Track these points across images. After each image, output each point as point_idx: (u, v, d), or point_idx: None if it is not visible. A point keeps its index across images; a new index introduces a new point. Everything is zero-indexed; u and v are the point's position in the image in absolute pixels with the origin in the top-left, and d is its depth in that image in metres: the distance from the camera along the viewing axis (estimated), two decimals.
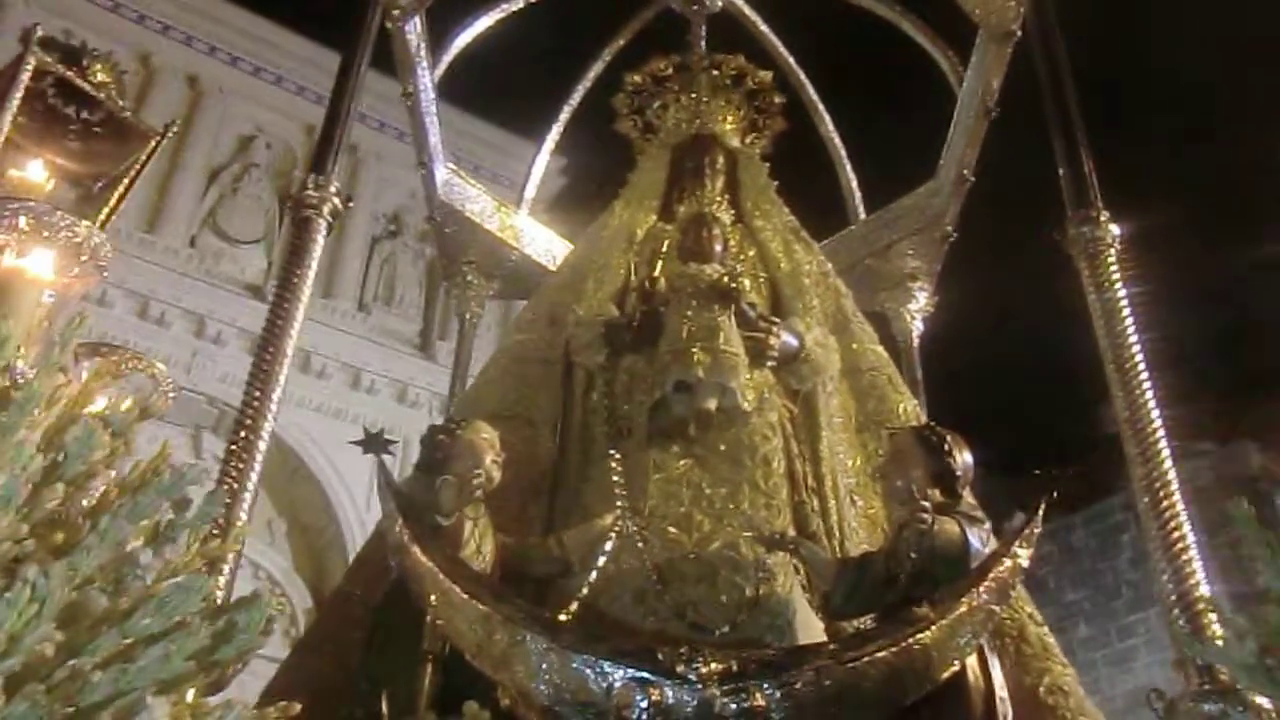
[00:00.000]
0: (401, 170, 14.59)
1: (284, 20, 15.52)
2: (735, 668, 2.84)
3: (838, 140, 6.43)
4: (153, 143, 3.18)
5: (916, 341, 5.81)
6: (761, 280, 4.67)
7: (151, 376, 2.89)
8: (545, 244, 6.08)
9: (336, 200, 3.78)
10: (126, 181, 3.06)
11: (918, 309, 5.93)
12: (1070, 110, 4.06)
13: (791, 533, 3.77)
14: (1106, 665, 11.77)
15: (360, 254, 15.51)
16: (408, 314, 15.37)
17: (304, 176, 3.85)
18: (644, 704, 2.80)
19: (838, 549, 3.91)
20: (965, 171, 5.48)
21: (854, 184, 6.35)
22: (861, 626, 3.45)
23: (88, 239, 2.20)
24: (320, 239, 3.71)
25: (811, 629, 3.60)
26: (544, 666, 2.89)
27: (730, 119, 5.24)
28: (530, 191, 6.38)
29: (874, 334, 4.81)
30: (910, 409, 4.47)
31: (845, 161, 6.41)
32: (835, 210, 6.30)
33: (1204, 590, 3.04)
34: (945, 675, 2.94)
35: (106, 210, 3.09)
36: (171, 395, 3.04)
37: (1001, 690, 3.08)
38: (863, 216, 6.25)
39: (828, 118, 6.44)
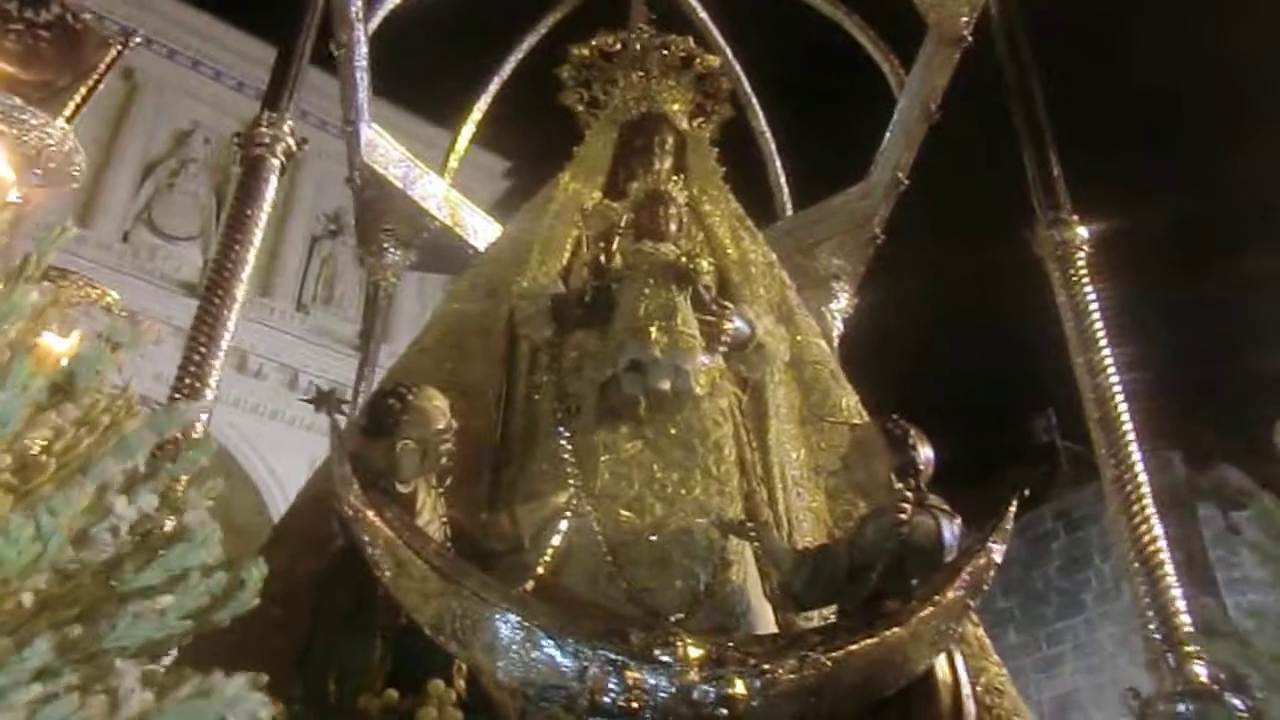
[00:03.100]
0: (343, 168, 14.16)
1: (224, 14, 15.06)
2: (715, 654, 2.72)
3: (769, 134, 6.39)
4: (112, 52, 2.84)
5: (837, 341, 5.82)
6: (710, 265, 4.56)
7: (106, 308, 2.59)
8: (468, 216, 5.87)
9: (290, 140, 3.51)
10: (81, 95, 2.70)
11: (839, 309, 5.92)
12: (1038, 113, 4.08)
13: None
14: (1035, 671, 11.99)
15: (300, 253, 15.13)
16: (347, 314, 14.92)
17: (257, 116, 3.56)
18: (618, 688, 2.65)
19: (786, 539, 3.83)
20: (900, 174, 5.50)
21: (783, 179, 6.31)
22: (824, 618, 3.38)
23: (61, 142, 1.93)
24: (274, 180, 3.43)
25: (764, 618, 3.52)
26: (513, 645, 2.71)
27: (678, 101, 5.10)
28: (454, 162, 6.14)
29: (817, 327, 4.76)
30: (852, 404, 4.43)
31: (775, 156, 6.38)
32: (763, 205, 6.25)
33: (1176, 593, 3.07)
34: (922, 668, 2.88)
35: None
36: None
37: (967, 686, 3.05)
38: (790, 212, 6.23)
39: (760, 111, 6.39)
